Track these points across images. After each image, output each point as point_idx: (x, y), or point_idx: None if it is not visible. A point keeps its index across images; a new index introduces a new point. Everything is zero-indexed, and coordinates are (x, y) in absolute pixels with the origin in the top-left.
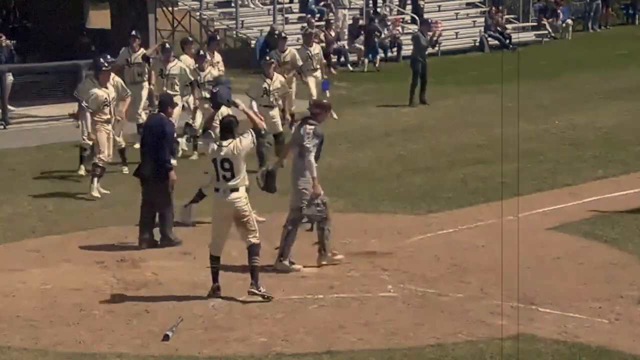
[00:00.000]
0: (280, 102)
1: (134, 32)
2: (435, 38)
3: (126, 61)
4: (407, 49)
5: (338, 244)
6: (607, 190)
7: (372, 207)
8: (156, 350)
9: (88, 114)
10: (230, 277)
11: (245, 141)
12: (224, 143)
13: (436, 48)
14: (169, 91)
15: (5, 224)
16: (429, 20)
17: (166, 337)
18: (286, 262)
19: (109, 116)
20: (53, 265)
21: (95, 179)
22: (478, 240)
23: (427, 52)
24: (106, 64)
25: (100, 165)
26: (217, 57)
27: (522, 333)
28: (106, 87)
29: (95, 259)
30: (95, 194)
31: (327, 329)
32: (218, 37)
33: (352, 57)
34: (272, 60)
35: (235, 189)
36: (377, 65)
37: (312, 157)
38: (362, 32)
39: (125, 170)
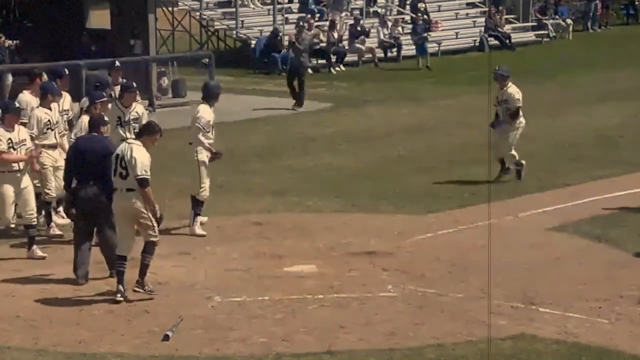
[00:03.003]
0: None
1: None
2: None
3: None
4: (408, 49)
5: (338, 244)
6: (607, 190)
7: (372, 207)
8: (156, 350)
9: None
10: (231, 277)
11: (140, 154)
12: (129, 140)
13: (436, 48)
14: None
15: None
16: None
17: (166, 337)
18: None
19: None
20: (53, 265)
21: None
22: (478, 240)
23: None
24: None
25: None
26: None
27: (522, 333)
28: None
29: (95, 259)
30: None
31: (327, 329)
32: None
33: (352, 57)
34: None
35: (130, 190)
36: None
37: None
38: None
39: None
